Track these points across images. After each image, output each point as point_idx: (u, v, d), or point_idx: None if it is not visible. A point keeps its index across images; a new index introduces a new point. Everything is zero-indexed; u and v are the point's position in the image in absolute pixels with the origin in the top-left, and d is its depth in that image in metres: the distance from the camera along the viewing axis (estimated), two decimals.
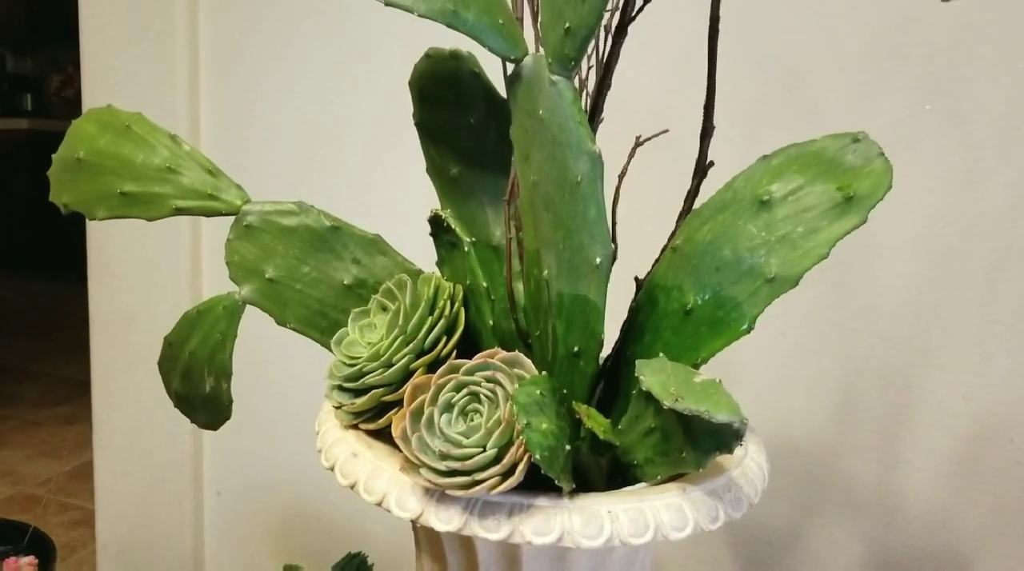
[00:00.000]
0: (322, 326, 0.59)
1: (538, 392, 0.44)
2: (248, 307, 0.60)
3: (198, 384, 0.61)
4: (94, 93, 1.25)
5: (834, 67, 0.95)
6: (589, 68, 0.50)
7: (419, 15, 0.46)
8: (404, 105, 0.61)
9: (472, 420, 0.46)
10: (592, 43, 0.46)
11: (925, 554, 1.03)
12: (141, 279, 1.27)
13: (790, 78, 0.97)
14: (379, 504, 0.47)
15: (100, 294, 1.30)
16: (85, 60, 1.25)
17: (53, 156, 0.63)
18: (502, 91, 0.58)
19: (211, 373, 0.60)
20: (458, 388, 0.47)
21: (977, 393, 0.98)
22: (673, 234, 0.53)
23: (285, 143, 1.18)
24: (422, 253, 0.62)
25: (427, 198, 0.62)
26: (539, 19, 0.47)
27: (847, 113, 0.96)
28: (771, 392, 1.05)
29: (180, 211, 0.58)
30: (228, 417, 0.64)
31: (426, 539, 0.53)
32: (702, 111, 0.51)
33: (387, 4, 0.46)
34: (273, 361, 1.15)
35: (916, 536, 1.03)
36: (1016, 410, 0.97)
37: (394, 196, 1.08)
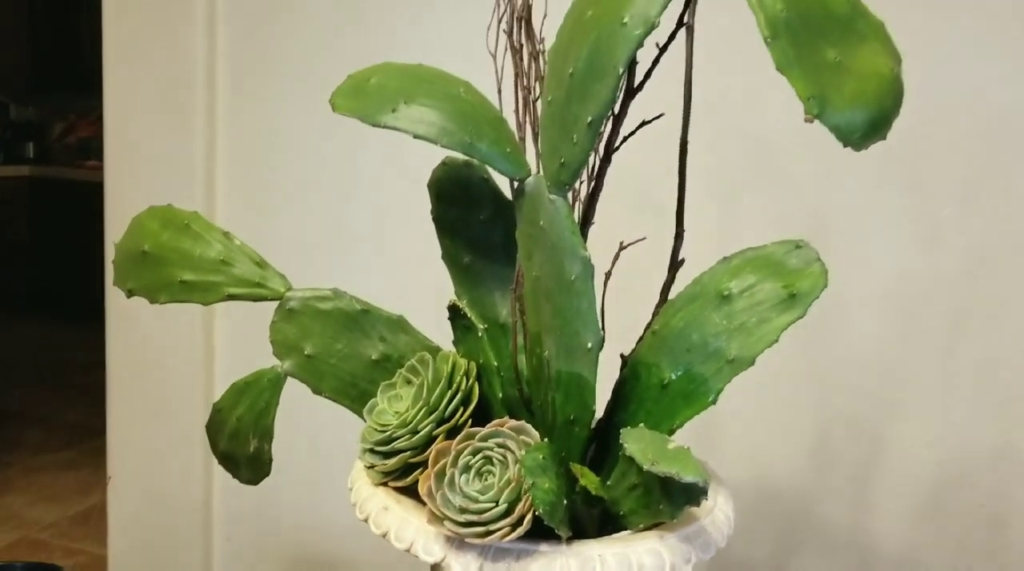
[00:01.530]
0: (352, 395, 0.68)
1: (541, 456, 0.54)
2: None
3: (243, 445, 0.70)
4: (115, 166, 1.31)
5: (804, 141, 1.04)
6: (581, 183, 0.60)
7: (442, 146, 0.56)
8: (413, 197, 0.71)
9: (486, 479, 0.56)
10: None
11: None
12: (159, 331, 1.34)
13: (763, 151, 1.06)
14: (408, 550, 0.57)
15: (119, 344, 1.37)
16: (108, 133, 1.31)
17: (115, 245, 0.73)
18: (508, 193, 0.69)
19: (256, 436, 0.69)
20: (475, 452, 0.57)
21: (941, 441, 1.06)
22: (652, 319, 0.63)
23: (294, 225, 1.25)
24: (422, 321, 0.71)
25: (426, 282, 0.72)
26: (538, 146, 0.57)
27: (817, 184, 1.05)
28: (754, 440, 1.12)
29: (232, 297, 0.68)
30: (268, 474, 0.74)
31: None
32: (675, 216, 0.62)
33: (415, 136, 0.56)
34: (280, 416, 1.22)
35: None
36: (977, 456, 1.05)
37: (404, 279, 1.16)
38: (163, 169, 1.29)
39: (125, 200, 1.30)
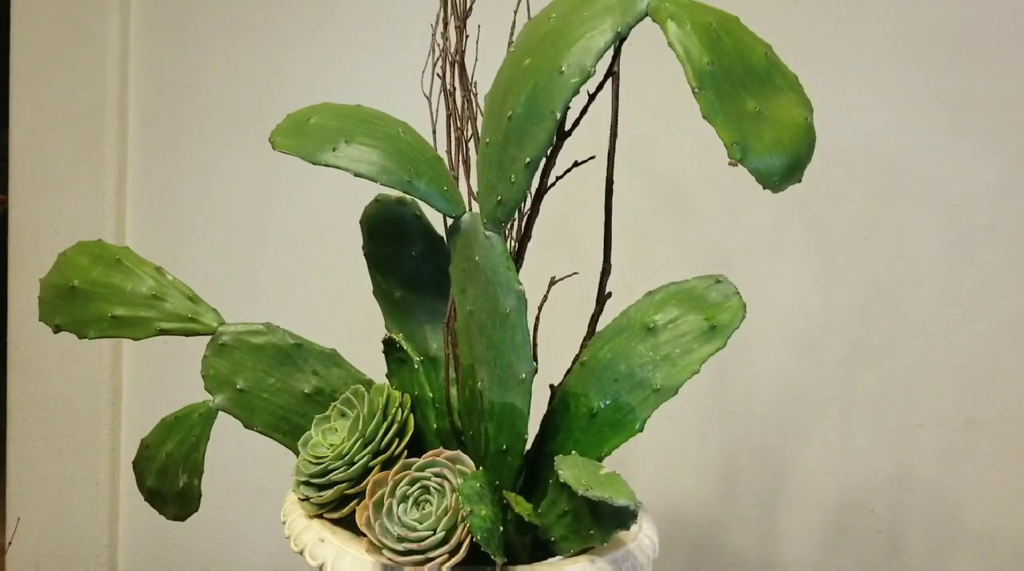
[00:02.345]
0: (285, 429, 0.69)
1: (478, 484, 0.56)
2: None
3: (172, 481, 0.70)
4: (21, 195, 1.28)
5: (710, 182, 1.09)
6: (513, 221, 0.63)
7: (381, 184, 0.58)
8: (342, 233, 0.72)
9: (424, 508, 0.58)
10: None
11: None
12: (61, 371, 1.30)
13: (673, 192, 1.10)
14: None
15: (19, 386, 1.32)
16: (13, 166, 1.27)
17: (42, 280, 0.72)
18: (440, 229, 0.71)
19: (185, 471, 0.69)
20: (412, 482, 0.58)
21: (841, 469, 1.11)
22: (580, 351, 0.65)
23: (206, 255, 1.24)
24: (354, 355, 0.73)
25: (356, 317, 0.73)
26: (477, 187, 0.59)
27: (721, 224, 1.10)
28: (663, 471, 1.15)
29: (164, 332, 0.68)
30: (196, 509, 0.73)
31: None
32: (602, 252, 0.65)
33: (356, 174, 0.58)
34: None
35: None
36: (875, 483, 1.10)
37: (334, 314, 1.17)
38: (71, 203, 1.26)
39: (30, 234, 1.26)
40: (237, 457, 1.23)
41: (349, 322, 0.93)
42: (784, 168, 0.48)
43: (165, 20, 1.23)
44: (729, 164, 0.47)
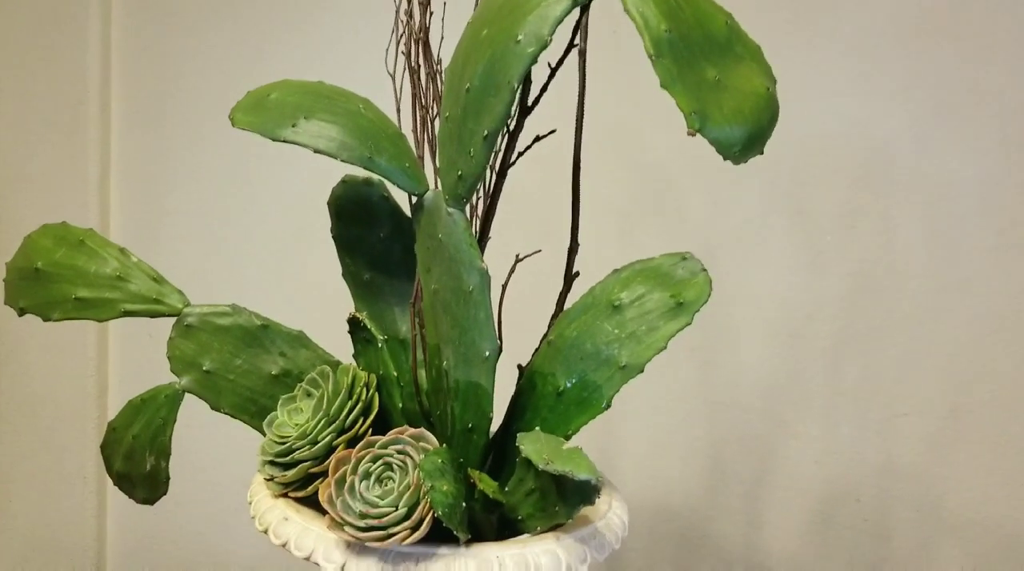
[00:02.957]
0: (252, 411, 0.68)
1: (440, 460, 0.55)
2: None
3: (140, 464, 0.69)
4: (3, 190, 1.27)
5: (695, 173, 1.09)
6: (478, 198, 0.63)
7: (342, 160, 0.57)
8: (311, 215, 0.72)
9: (386, 485, 0.57)
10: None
11: None
12: (47, 366, 1.30)
13: (657, 182, 1.10)
14: (307, 558, 0.57)
15: (4, 381, 1.32)
16: None
17: (7, 264, 0.71)
18: (407, 210, 0.70)
19: (152, 453, 0.69)
20: (375, 459, 0.58)
21: (827, 458, 1.10)
22: (548, 330, 0.65)
23: (190, 243, 1.24)
24: (322, 336, 0.72)
25: (325, 298, 0.73)
26: (436, 162, 0.59)
27: (706, 213, 1.09)
28: (649, 462, 1.15)
29: (128, 313, 0.67)
30: (165, 492, 0.73)
31: None
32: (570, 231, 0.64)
33: (315, 151, 0.57)
34: (176, 450, 1.18)
35: None
36: (861, 473, 1.10)
37: (302, 295, 1.16)
38: (55, 197, 1.26)
39: (14, 229, 1.26)
40: (224, 451, 1.23)
41: (318, 305, 0.93)
42: (744, 138, 0.48)
43: (145, 11, 1.23)
44: (688, 134, 0.47)
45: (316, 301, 1.00)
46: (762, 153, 0.50)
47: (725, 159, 0.49)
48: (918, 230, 1.05)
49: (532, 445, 0.54)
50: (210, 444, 1.21)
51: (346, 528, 0.55)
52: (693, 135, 0.47)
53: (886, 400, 1.08)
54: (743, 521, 1.14)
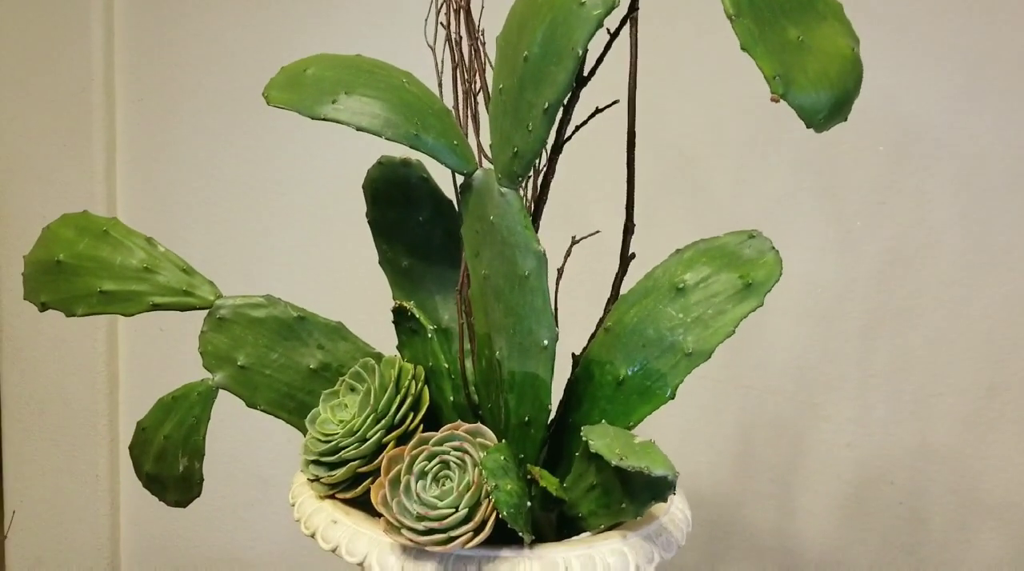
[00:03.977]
0: (290, 407, 0.65)
1: (502, 458, 0.52)
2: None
3: (172, 465, 0.66)
4: (6, 183, 1.24)
5: (720, 151, 1.06)
6: (528, 177, 0.59)
7: (386, 138, 0.53)
8: (337, 202, 0.68)
9: (444, 485, 0.54)
10: None
11: None
12: (55, 362, 1.27)
13: (681, 161, 1.07)
14: (360, 564, 0.54)
15: (12, 378, 1.29)
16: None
17: (26, 257, 0.67)
18: (448, 192, 0.67)
19: (185, 454, 0.65)
20: (430, 457, 0.54)
21: (859, 441, 1.08)
22: (604, 317, 0.61)
23: (201, 237, 1.20)
24: (359, 329, 0.69)
25: (361, 288, 0.69)
26: (490, 140, 0.55)
27: (732, 192, 1.06)
28: (677, 448, 1.12)
29: (157, 307, 0.64)
30: (199, 495, 0.69)
31: None
32: (624, 210, 0.61)
33: (358, 129, 0.54)
34: None
35: None
36: (894, 455, 1.07)
37: (336, 286, 1.13)
38: (60, 189, 1.22)
39: (17, 223, 1.22)
40: (240, 445, 1.20)
41: (355, 295, 0.89)
42: (831, 104, 0.44)
43: None
44: (771, 99, 0.43)
45: (350, 292, 0.96)
46: (845, 120, 0.47)
47: (808, 126, 0.45)
48: (951, 206, 1.02)
49: (602, 440, 0.50)
50: (224, 439, 1.18)
51: (404, 532, 0.51)
52: (777, 101, 0.44)
53: (920, 380, 1.06)
54: (774, 507, 1.12)
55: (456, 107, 0.62)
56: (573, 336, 0.63)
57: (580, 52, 0.47)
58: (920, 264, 1.04)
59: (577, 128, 0.57)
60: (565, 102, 0.53)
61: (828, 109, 0.45)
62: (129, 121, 1.22)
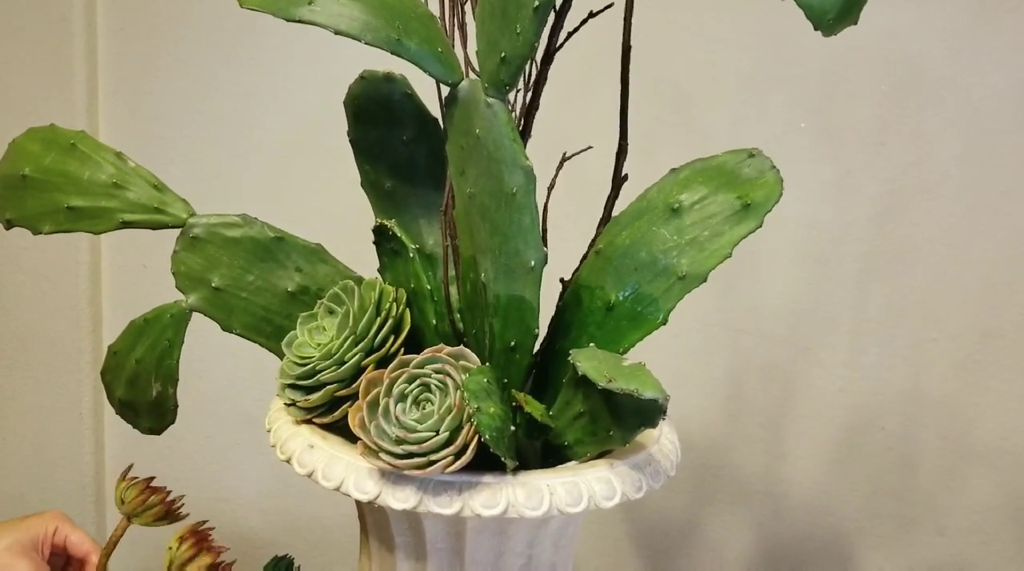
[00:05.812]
0: (267, 331, 0.62)
1: (485, 380, 0.50)
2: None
3: (144, 390, 0.63)
4: None
5: (717, 89, 1.03)
6: (517, 91, 0.56)
7: (365, 43, 0.50)
8: (319, 122, 0.65)
9: (424, 408, 0.51)
10: None
11: (810, 537, 1.11)
12: (37, 300, 1.25)
13: (679, 99, 1.04)
14: (337, 489, 0.52)
15: None
16: None
17: None
18: (433, 109, 0.63)
19: (158, 379, 0.63)
20: (410, 380, 0.52)
21: (851, 386, 1.07)
22: (595, 239, 0.59)
23: (188, 159, 1.17)
24: (339, 252, 0.66)
25: (341, 210, 0.66)
26: (476, 47, 0.52)
27: (729, 131, 1.04)
28: (668, 391, 1.11)
29: (126, 224, 0.61)
30: (173, 421, 0.67)
31: (374, 526, 0.58)
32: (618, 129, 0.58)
33: (336, 32, 0.50)
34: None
35: (801, 521, 1.11)
36: (886, 400, 1.06)
37: (315, 207, 1.10)
38: (41, 111, 1.18)
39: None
40: (224, 384, 1.18)
41: (336, 219, 0.86)
42: (840, 4, 0.42)
43: None
44: None
45: (330, 215, 0.93)
46: (855, 23, 0.44)
47: (816, 28, 0.43)
48: (952, 147, 1.00)
49: (589, 362, 0.48)
50: (210, 375, 1.16)
51: (382, 455, 0.49)
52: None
53: (914, 325, 1.04)
54: (763, 451, 1.11)
55: (442, 16, 0.59)
56: (563, 262, 0.61)
57: None
58: (918, 207, 1.01)
59: (570, 35, 0.53)
60: (557, 4, 0.50)
61: (838, 10, 0.42)
62: (111, 51, 1.18)
